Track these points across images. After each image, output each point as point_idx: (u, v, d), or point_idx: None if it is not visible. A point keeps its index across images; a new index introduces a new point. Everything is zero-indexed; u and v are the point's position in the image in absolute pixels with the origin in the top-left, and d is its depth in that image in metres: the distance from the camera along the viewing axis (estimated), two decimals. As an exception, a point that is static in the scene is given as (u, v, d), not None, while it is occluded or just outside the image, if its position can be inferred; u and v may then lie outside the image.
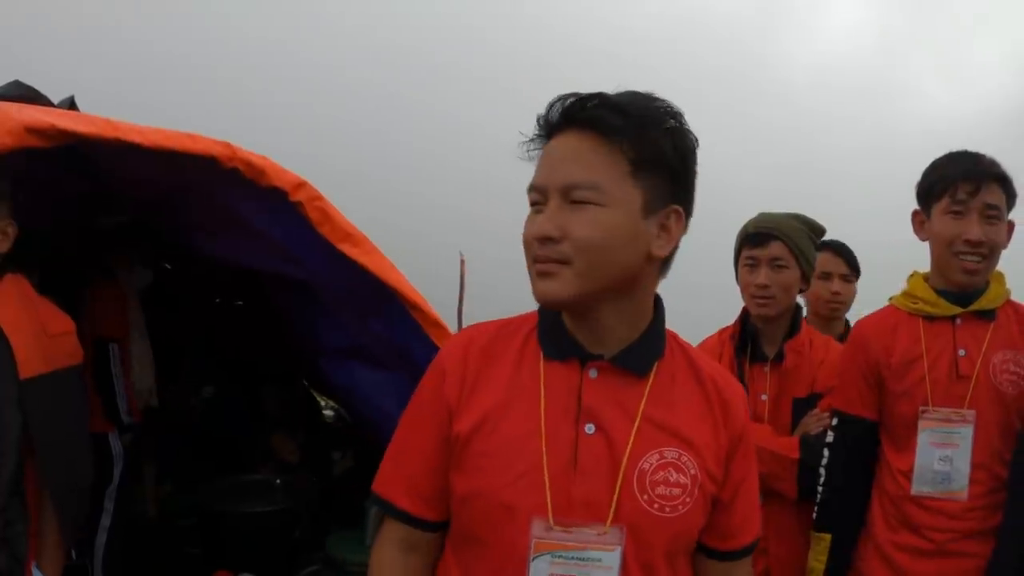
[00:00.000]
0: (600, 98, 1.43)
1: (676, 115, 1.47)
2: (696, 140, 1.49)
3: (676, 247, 1.53)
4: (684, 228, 1.51)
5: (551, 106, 1.47)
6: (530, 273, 1.47)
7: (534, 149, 1.51)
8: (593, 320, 1.50)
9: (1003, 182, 2.50)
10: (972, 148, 2.59)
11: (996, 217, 2.48)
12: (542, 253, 1.42)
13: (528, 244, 1.45)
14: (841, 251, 3.73)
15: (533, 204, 1.48)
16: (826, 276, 3.65)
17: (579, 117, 1.43)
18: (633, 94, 1.47)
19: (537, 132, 1.51)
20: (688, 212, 1.51)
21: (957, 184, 2.48)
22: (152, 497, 4.90)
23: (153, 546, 4.57)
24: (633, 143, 1.40)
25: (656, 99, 1.47)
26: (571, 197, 1.41)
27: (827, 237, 3.24)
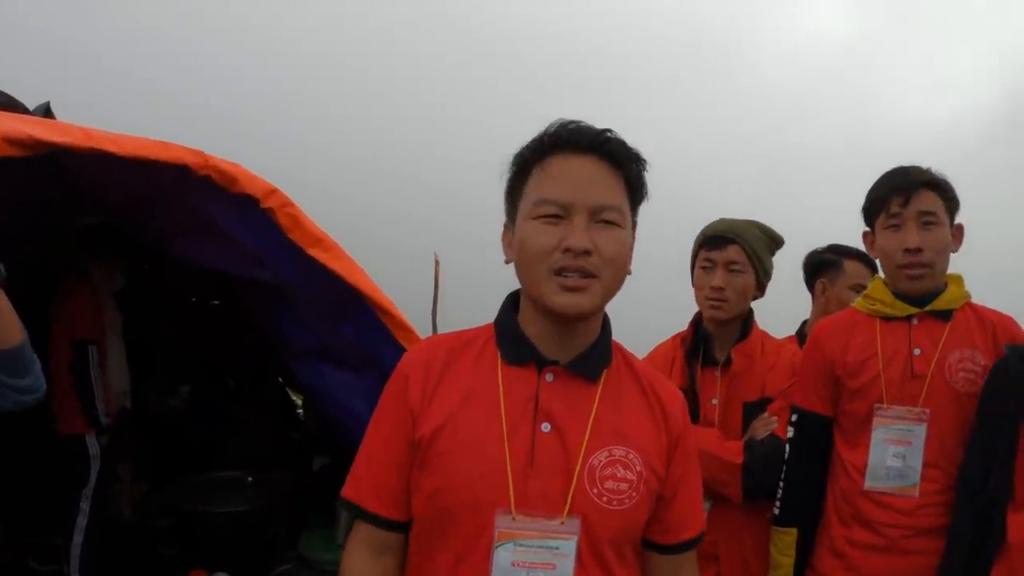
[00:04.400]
0: (612, 132, 1.62)
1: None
2: None
3: None
4: None
5: (566, 128, 1.62)
6: (546, 281, 1.58)
7: (533, 159, 1.64)
8: (575, 329, 1.65)
9: (936, 188, 2.58)
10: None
11: (933, 223, 2.55)
12: (575, 264, 1.54)
13: (547, 253, 1.56)
14: (874, 267, 3.77)
15: (547, 216, 1.58)
16: (860, 288, 3.68)
17: (603, 148, 1.59)
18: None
19: (543, 145, 1.63)
20: None
21: (890, 198, 2.60)
22: (128, 497, 4.91)
23: (130, 546, 4.59)
24: (632, 175, 1.62)
25: None
26: (600, 217, 1.57)
27: (786, 239, 3.25)
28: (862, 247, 3.87)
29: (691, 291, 3.04)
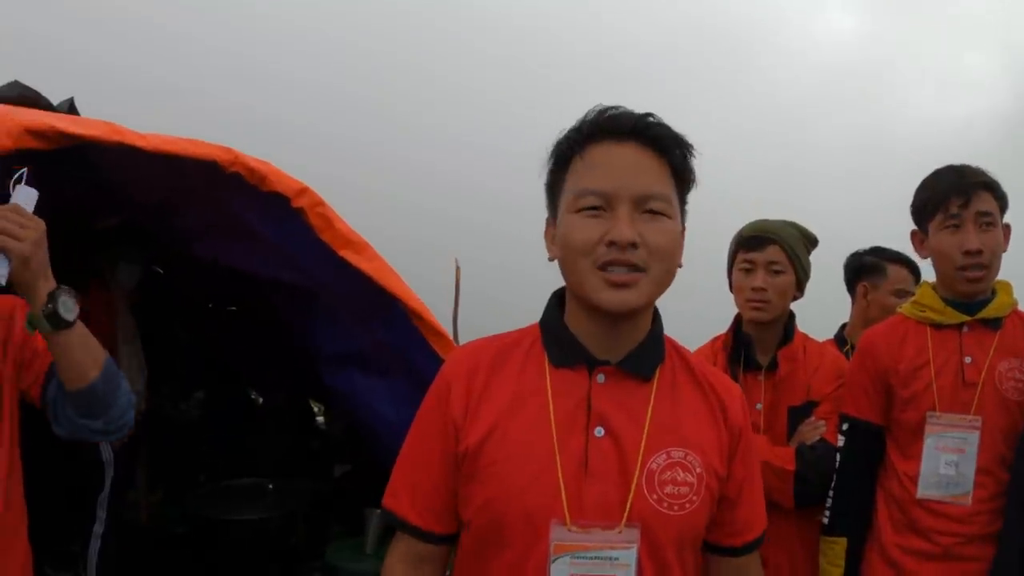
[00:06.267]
0: (656, 117, 1.53)
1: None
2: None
3: None
4: None
5: (605, 114, 1.54)
6: (591, 278, 1.49)
7: (571, 149, 1.56)
8: (623, 326, 1.56)
9: (992, 189, 2.55)
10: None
11: (991, 224, 2.53)
12: (622, 258, 1.45)
13: (590, 247, 1.48)
14: (917, 272, 3.71)
15: (589, 208, 1.50)
16: (903, 294, 3.62)
17: (645, 133, 1.51)
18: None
19: (582, 134, 1.55)
20: None
21: (948, 199, 2.55)
22: (145, 504, 4.85)
23: (147, 554, 4.52)
24: (678, 161, 1.53)
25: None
26: (646, 207, 1.48)
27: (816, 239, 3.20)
28: (876, 243, 3.84)
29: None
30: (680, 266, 1.59)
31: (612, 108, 1.54)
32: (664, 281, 1.52)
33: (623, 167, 1.49)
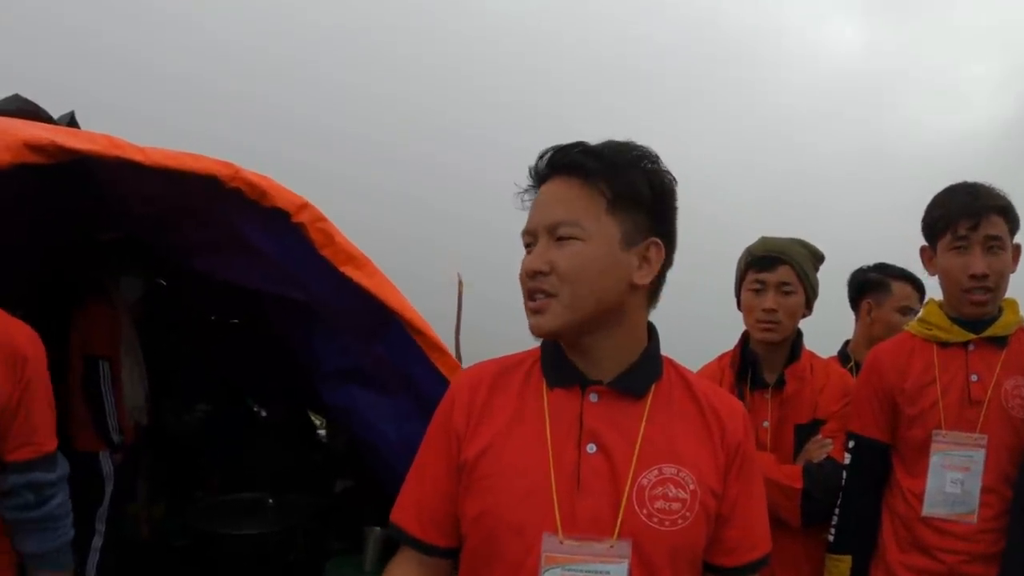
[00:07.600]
0: (581, 146, 1.60)
1: (653, 158, 1.61)
2: (674, 179, 1.63)
3: (662, 277, 1.65)
4: (669, 260, 1.64)
5: (539, 158, 1.63)
6: (526, 308, 1.60)
7: (528, 200, 1.66)
8: (588, 348, 1.61)
9: (1004, 212, 2.54)
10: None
11: (999, 247, 2.53)
12: (533, 286, 1.56)
13: (522, 281, 1.59)
14: (922, 290, 3.69)
15: (526, 246, 1.62)
16: (907, 311, 3.60)
17: (562, 164, 1.59)
18: (611, 141, 1.62)
19: (529, 184, 1.66)
20: (669, 244, 1.63)
21: (958, 220, 2.53)
22: (145, 517, 4.83)
23: (147, 568, 4.50)
24: (610, 183, 1.55)
25: (634, 145, 1.62)
26: (556, 234, 1.55)
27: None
28: (880, 257, 3.84)
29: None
30: (638, 284, 1.58)
31: (546, 151, 1.62)
32: (582, 302, 1.54)
33: (541, 203, 1.60)
